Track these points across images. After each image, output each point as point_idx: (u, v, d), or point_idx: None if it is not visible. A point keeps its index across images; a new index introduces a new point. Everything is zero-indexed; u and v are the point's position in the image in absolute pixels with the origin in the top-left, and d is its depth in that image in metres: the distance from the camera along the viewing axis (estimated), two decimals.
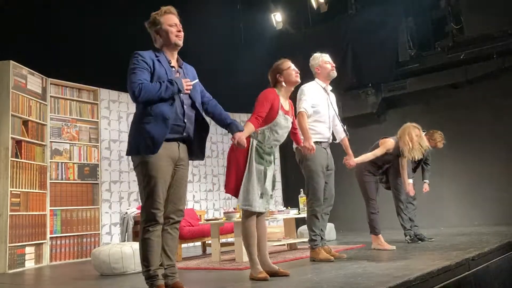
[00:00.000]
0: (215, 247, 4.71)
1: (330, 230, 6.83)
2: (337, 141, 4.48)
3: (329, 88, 4.42)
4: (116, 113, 7.09)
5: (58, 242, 5.97)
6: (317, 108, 4.16)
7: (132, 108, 7.34)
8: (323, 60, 4.38)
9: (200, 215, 6.33)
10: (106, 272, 4.14)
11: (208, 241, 5.49)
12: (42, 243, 5.74)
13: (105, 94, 6.99)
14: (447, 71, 7.97)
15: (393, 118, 8.89)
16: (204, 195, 8.23)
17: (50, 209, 5.93)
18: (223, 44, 8.79)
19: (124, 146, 7.31)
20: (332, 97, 4.43)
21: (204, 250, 5.99)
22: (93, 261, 4.29)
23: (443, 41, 7.95)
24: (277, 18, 9.26)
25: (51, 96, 6.28)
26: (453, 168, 8.00)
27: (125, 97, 7.22)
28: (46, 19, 6.53)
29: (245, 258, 4.40)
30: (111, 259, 4.11)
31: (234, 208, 5.01)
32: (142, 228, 2.69)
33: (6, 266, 5.04)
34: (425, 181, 6.13)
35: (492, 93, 7.70)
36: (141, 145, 2.62)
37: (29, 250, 5.51)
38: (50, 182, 6.00)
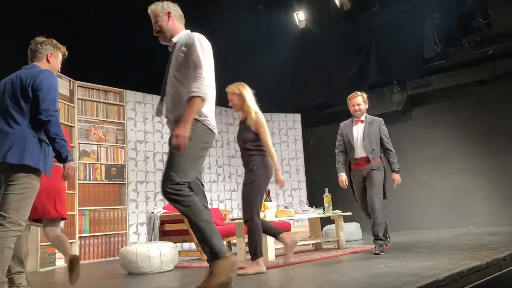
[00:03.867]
0: (240, 246, 4.73)
1: (355, 230, 6.77)
2: None
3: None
4: (141, 114, 7.19)
5: (87, 241, 6.10)
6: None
7: None
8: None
9: (225, 215, 6.36)
10: (133, 271, 4.20)
11: (233, 240, 5.51)
12: (71, 243, 5.87)
13: (130, 95, 7.09)
14: (475, 67, 7.80)
15: (419, 115, 8.76)
16: (228, 194, 8.26)
17: (78, 209, 6.06)
18: (245, 44, 8.80)
19: (150, 146, 7.45)
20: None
21: (229, 249, 6.03)
22: (120, 260, 4.36)
23: (470, 36, 7.78)
24: (300, 17, 9.23)
25: (78, 99, 6.42)
26: (482, 166, 7.83)
27: (150, 98, 7.31)
28: (73, 23, 6.68)
29: (271, 257, 4.40)
30: (138, 258, 4.17)
31: None
32: None
33: (38, 265, 5.17)
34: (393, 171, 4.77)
35: None
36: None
37: None
38: (78, 183, 6.13)
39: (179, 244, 5.96)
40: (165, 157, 7.31)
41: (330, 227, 6.46)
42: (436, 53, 8.09)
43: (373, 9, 8.79)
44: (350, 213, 5.52)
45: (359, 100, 4.76)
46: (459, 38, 8.00)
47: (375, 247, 4.38)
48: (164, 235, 5.39)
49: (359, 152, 4.68)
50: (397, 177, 4.73)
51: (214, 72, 2.74)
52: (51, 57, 3.10)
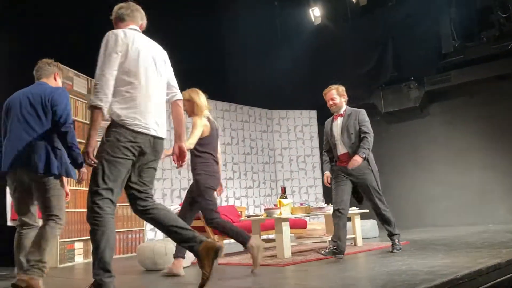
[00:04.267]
0: None
1: (372, 227, 6.73)
2: None
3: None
4: None
5: (117, 237, 6.17)
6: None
7: None
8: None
9: (240, 212, 6.38)
10: (150, 268, 4.25)
11: None
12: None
13: None
14: (494, 62, 7.68)
15: (436, 112, 8.66)
16: (244, 191, 8.29)
17: None
18: (261, 41, 8.80)
19: (166, 144, 7.47)
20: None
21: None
22: (138, 257, 4.41)
23: (489, 31, 7.65)
24: (316, 13, 9.18)
25: None
26: (501, 162, 7.72)
27: None
28: (88, 22, 6.75)
29: (287, 254, 4.40)
30: (156, 255, 4.22)
31: (274, 205, 5.02)
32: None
33: (58, 261, 5.26)
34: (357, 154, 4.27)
35: None
36: None
37: (78, 246, 5.73)
38: None
39: None
40: None
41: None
42: (454, 48, 7.98)
43: (390, 4, 8.71)
44: (366, 211, 5.48)
45: (333, 94, 4.44)
46: (477, 33, 7.87)
47: (392, 245, 4.33)
48: None
49: (341, 149, 4.37)
50: (356, 160, 4.14)
51: (144, 61, 2.61)
52: (57, 76, 3.41)
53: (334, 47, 8.96)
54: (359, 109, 4.47)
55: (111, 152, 2.50)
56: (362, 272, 3.22)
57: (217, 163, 3.94)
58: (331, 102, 4.47)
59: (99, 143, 2.58)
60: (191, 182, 7.71)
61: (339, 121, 4.43)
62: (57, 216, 3.07)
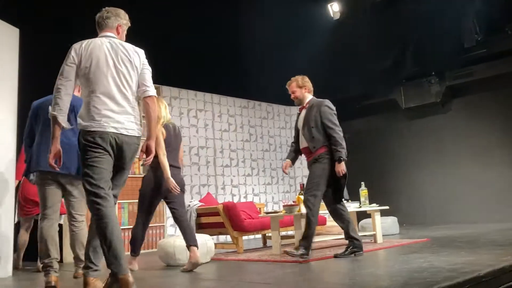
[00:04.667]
0: (276, 240, 4.75)
1: (392, 224, 6.67)
2: None
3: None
4: (177, 109, 7.30)
5: (126, 233, 6.26)
6: None
7: (193, 104, 7.54)
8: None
9: (259, 208, 6.39)
10: (171, 263, 4.29)
11: (268, 233, 5.54)
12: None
13: (167, 91, 7.21)
14: None
15: (458, 107, 8.51)
16: (263, 188, 8.29)
17: (118, 202, 6.22)
18: (279, 37, 8.78)
19: (186, 140, 7.55)
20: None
21: (264, 243, 6.05)
22: (158, 252, 4.46)
23: None
24: (334, 8, 9.11)
25: None
26: None
27: (185, 93, 7.43)
28: None
29: None
30: (176, 251, 4.26)
31: (293, 201, 5.01)
32: None
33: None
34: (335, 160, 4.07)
35: None
36: None
37: None
38: None
39: (215, 237, 6.05)
40: (200, 151, 7.43)
41: (367, 221, 6.38)
42: (477, 42, 7.81)
43: None
44: (387, 207, 5.44)
45: (293, 87, 4.29)
46: (501, 26, 7.68)
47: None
48: (201, 227, 5.48)
49: (303, 142, 4.22)
50: (339, 167, 3.95)
51: (101, 68, 2.78)
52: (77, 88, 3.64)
53: (354, 42, 8.87)
54: (323, 100, 4.25)
55: (85, 156, 2.72)
56: (382, 269, 3.19)
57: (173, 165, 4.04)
58: (292, 95, 4.34)
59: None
60: (210, 178, 7.75)
61: (302, 114, 4.29)
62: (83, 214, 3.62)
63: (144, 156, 2.91)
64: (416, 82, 8.56)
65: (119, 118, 2.77)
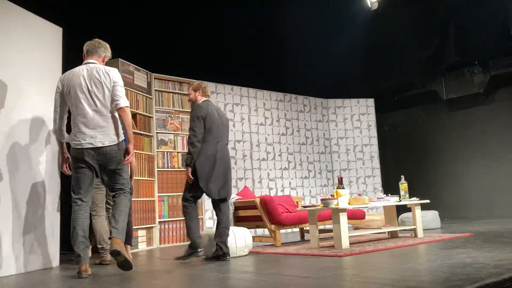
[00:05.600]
0: (313, 234, 4.73)
1: (434, 218, 6.51)
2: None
3: None
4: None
5: (166, 226, 6.40)
6: None
7: (229, 98, 7.59)
8: None
9: (297, 202, 6.38)
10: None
11: (306, 227, 5.52)
12: (152, 227, 6.20)
13: None
14: None
15: (503, 98, 8.20)
16: (300, 182, 8.27)
17: (158, 195, 6.37)
18: (315, 29, 8.69)
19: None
20: None
21: (302, 236, 6.05)
22: None
23: None
24: None
25: (155, 90, 6.71)
26: None
27: (222, 88, 7.48)
28: (148, 19, 6.97)
29: (345, 245, 4.36)
30: (213, 243, 4.31)
31: (331, 195, 4.97)
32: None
33: None
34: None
35: None
36: None
37: (141, 233, 5.98)
38: (157, 170, 6.44)
39: (252, 230, 6.09)
40: (237, 145, 7.48)
41: (407, 215, 6.27)
42: None
43: None
44: (427, 201, 5.32)
45: (188, 91, 4.52)
46: None
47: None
48: (238, 220, 5.53)
49: None
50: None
51: (76, 94, 3.50)
52: None
53: (392, 32, 8.68)
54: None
55: (71, 169, 3.60)
56: (423, 264, 3.13)
57: None
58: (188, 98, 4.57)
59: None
60: (247, 172, 7.80)
61: None
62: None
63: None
64: (458, 72, 8.30)
65: (93, 133, 3.47)
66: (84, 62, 3.63)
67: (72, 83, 3.51)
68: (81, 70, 3.55)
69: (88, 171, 3.50)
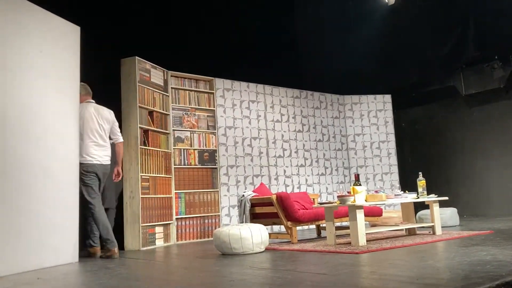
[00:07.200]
0: (330, 231, 4.72)
1: (452, 215, 6.43)
2: None
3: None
4: (230, 101, 7.39)
5: (183, 223, 6.45)
6: None
7: (245, 95, 7.60)
8: None
9: (313, 199, 6.36)
10: (226, 252, 4.38)
11: (323, 224, 5.51)
12: (169, 224, 6.25)
13: (219, 83, 7.31)
14: None
15: None
16: (316, 178, 8.24)
17: (175, 192, 6.42)
18: (331, 25, 8.63)
19: (239, 132, 7.66)
20: None
21: (318, 233, 6.03)
22: (214, 241, 4.56)
23: None
24: None
25: (172, 88, 6.75)
26: None
27: (238, 85, 7.49)
28: (165, 18, 7.01)
29: (362, 242, 4.34)
30: (231, 240, 4.33)
31: (348, 192, 4.94)
32: None
33: (140, 244, 5.58)
34: None
35: None
36: None
37: (159, 230, 6.03)
38: (174, 167, 6.49)
39: (269, 227, 6.09)
40: (253, 142, 7.49)
41: (425, 212, 6.20)
42: None
43: None
44: (446, 198, 5.25)
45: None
46: None
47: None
48: (255, 217, 5.54)
49: None
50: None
51: (90, 124, 4.74)
52: None
53: (410, 27, 8.57)
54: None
55: (83, 179, 4.62)
56: (442, 262, 3.09)
57: None
58: None
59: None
60: (263, 169, 7.80)
61: None
62: None
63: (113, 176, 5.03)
64: (477, 67, 8.16)
65: (100, 154, 4.71)
66: (87, 100, 4.80)
67: (88, 113, 4.77)
68: (89, 107, 4.76)
69: (96, 181, 4.77)
